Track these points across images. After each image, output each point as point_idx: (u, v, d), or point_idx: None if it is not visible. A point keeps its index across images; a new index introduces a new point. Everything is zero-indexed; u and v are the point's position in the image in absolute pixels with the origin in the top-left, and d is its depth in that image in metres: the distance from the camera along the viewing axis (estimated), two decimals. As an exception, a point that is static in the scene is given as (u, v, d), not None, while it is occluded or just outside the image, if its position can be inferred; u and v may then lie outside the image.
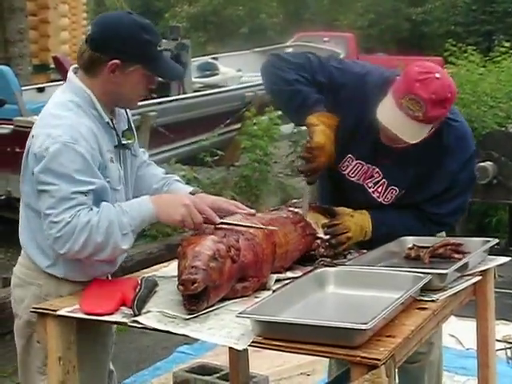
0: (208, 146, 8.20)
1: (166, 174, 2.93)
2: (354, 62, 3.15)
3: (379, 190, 3.01)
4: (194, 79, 10.08)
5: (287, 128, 8.46)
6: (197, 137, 8.51)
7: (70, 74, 2.61)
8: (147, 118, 7.46)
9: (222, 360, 4.09)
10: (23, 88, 7.49)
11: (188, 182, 6.93)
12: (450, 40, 9.95)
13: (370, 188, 3.03)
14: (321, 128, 2.86)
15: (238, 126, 9.09)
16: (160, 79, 2.70)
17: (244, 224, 2.51)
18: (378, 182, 3.01)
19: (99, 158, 2.50)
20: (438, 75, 2.73)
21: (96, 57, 2.52)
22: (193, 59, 10.46)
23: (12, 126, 6.55)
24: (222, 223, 2.52)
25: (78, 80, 2.57)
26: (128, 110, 2.77)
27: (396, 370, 3.16)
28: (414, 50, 19.64)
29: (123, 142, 2.65)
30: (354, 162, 3.01)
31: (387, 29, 26.37)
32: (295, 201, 3.08)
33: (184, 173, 7.24)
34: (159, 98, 8.37)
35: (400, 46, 22.56)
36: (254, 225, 2.52)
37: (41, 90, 8.49)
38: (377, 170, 3.00)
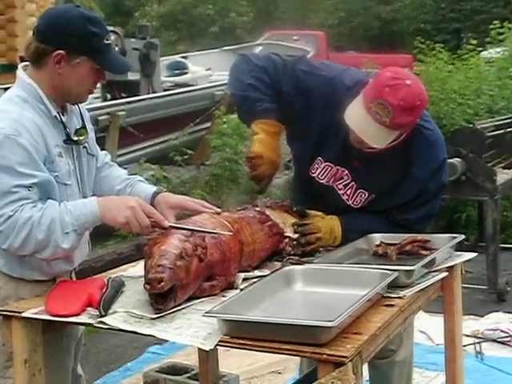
0: (178, 145, 8.18)
1: (130, 175, 2.91)
2: (323, 63, 3.10)
3: (348, 192, 3.01)
4: (163, 78, 10.05)
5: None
6: (166, 136, 8.48)
7: (19, 71, 2.61)
8: (116, 118, 7.41)
9: (192, 359, 4.08)
10: (-10, 88, 7.41)
11: (158, 182, 6.95)
12: (419, 38, 10.00)
13: (339, 190, 3.02)
14: (259, 137, 2.87)
15: (207, 124, 9.08)
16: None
17: (194, 229, 2.45)
18: (348, 184, 3.00)
19: (44, 152, 2.47)
20: (408, 82, 2.70)
21: (41, 48, 2.52)
22: (162, 58, 10.42)
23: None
24: (171, 227, 2.47)
25: (27, 76, 2.57)
26: (82, 108, 2.75)
27: (367, 366, 3.20)
28: (384, 48, 19.77)
29: (74, 138, 2.62)
30: (323, 165, 3.00)
31: (357, 27, 26.55)
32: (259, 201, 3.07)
33: (154, 172, 7.23)
34: (128, 97, 8.34)
35: (370, 44, 22.71)
36: (205, 229, 2.47)
37: (7, 90, 8.39)
38: (346, 172, 2.98)
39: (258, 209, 2.88)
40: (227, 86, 3.11)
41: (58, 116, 2.57)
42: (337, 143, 2.90)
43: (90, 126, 2.77)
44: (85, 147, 2.70)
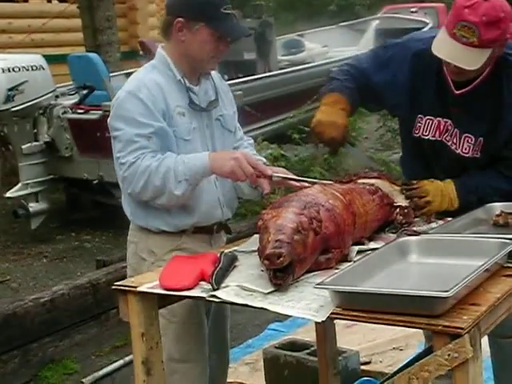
0: (295, 123, 8.16)
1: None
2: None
3: (455, 141, 2.94)
4: (279, 57, 10.05)
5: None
6: (284, 114, 8.48)
7: (159, 48, 2.89)
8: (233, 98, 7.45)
9: (312, 336, 4.05)
10: (112, 74, 7.59)
11: (276, 160, 6.95)
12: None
13: (448, 142, 2.95)
14: (320, 109, 2.95)
15: (325, 102, 9.00)
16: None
17: (296, 178, 2.67)
18: (452, 133, 2.94)
19: (162, 107, 2.74)
20: None
21: (167, 20, 2.81)
22: (278, 37, 10.41)
23: (101, 112, 6.64)
24: (274, 176, 2.70)
25: (162, 49, 2.87)
26: (219, 81, 2.98)
27: (487, 342, 3.09)
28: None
29: (198, 103, 2.83)
30: (424, 120, 2.98)
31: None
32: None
33: (271, 151, 7.24)
34: (245, 76, 8.37)
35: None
36: (307, 179, 2.67)
37: (129, 75, 8.58)
38: (449, 122, 2.93)
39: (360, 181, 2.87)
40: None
41: (182, 80, 2.82)
42: (429, 94, 2.92)
43: (231, 104, 3.03)
44: (218, 119, 2.93)
